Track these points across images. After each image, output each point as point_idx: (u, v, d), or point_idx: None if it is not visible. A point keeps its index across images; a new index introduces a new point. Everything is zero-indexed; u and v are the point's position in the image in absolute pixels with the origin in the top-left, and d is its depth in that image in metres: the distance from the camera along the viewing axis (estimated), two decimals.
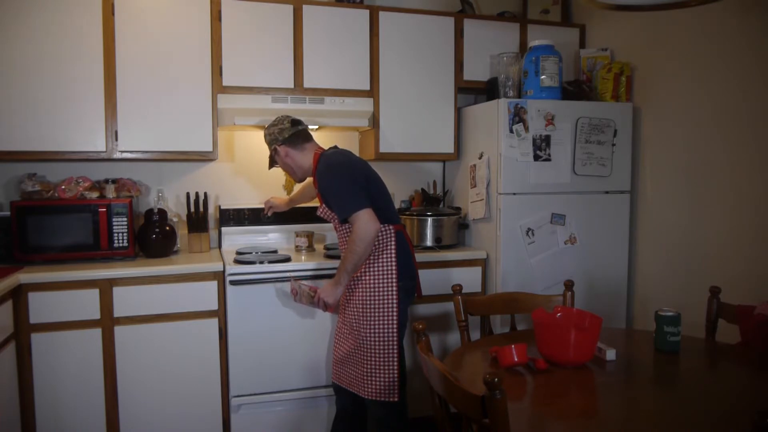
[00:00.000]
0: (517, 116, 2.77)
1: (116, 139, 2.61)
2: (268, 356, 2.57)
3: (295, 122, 2.36)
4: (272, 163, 2.42)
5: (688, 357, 1.81)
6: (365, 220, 2.08)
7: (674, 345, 1.81)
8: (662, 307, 1.93)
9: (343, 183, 2.16)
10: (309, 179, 2.48)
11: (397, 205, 3.19)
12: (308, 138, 2.37)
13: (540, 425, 1.42)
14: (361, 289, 2.21)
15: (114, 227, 2.59)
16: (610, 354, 1.76)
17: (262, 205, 3.03)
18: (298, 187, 2.85)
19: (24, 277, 2.30)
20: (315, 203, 2.65)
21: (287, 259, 2.63)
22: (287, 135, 2.32)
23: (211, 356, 2.55)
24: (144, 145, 2.65)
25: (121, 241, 2.60)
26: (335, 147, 2.38)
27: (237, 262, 2.58)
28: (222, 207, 3.01)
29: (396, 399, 2.18)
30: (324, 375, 2.65)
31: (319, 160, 2.26)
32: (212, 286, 2.54)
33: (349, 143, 3.19)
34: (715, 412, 1.45)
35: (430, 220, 2.95)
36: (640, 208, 3.00)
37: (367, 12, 2.92)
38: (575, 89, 3.01)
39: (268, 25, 2.77)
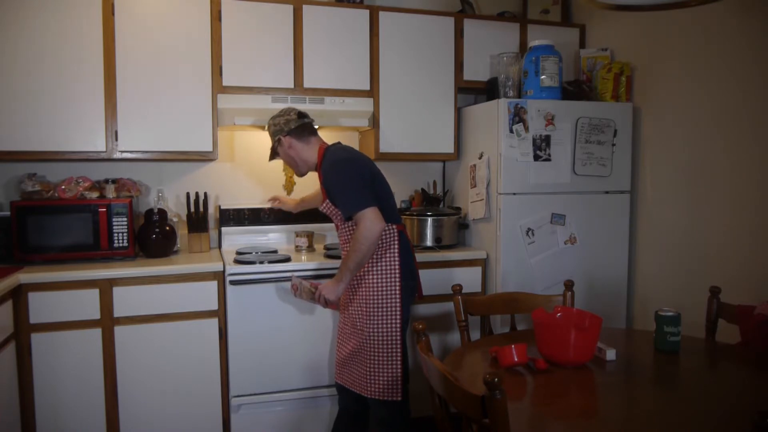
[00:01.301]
0: (517, 116, 2.77)
1: (116, 139, 2.61)
2: (268, 356, 2.57)
3: (302, 115, 2.34)
4: (273, 154, 2.39)
5: (688, 357, 1.81)
6: (371, 219, 2.06)
7: (674, 345, 1.81)
8: (662, 307, 1.93)
9: (350, 180, 2.13)
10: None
11: (397, 205, 3.18)
12: (314, 132, 2.36)
13: (540, 425, 1.42)
14: (364, 289, 2.20)
15: (114, 227, 2.59)
16: (610, 354, 1.76)
17: (263, 206, 3.03)
18: (309, 193, 2.80)
19: (24, 277, 2.30)
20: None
21: (287, 259, 2.63)
22: (293, 126, 2.29)
23: (211, 356, 2.55)
24: (144, 145, 2.65)
25: (121, 241, 2.60)
26: (338, 143, 2.37)
27: (237, 262, 2.58)
28: (222, 207, 3.01)
29: (399, 398, 2.18)
30: (325, 375, 2.65)
31: (324, 155, 2.25)
32: (212, 286, 2.54)
33: (349, 143, 3.16)
34: (715, 412, 1.45)
35: (430, 220, 2.95)
36: (640, 208, 3.00)
37: (367, 12, 2.92)
38: (575, 89, 3.01)
39: (268, 25, 2.77)
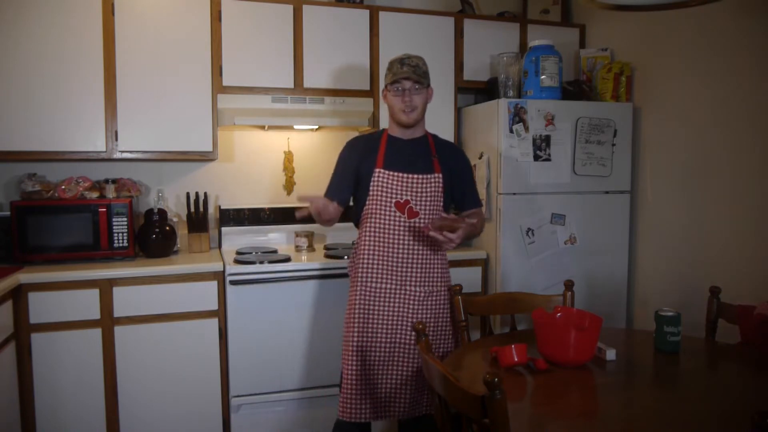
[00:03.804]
0: (517, 116, 2.77)
1: (116, 139, 2.61)
2: (268, 356, 2.57)
3: None
4: (420, 88, 2.10)
5: (688, 357, 1.81)
6: None
7: (674, 345, 1.81)
8: (662, 307, 1.93)
9: None
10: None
11: None
12: None
13: (540, 425, 1.42)
14: (442, 298, 2.19)
15: (114, 227, 2.59)
16: (610, 354, 1.76)
17: (262, 206, 3.04)
18: (331, 207, 2.20)
19: (24, 277, 2.30)
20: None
21: (287, 259, 2.63)
22: None
23: (211, 356, 2.55)
24: (144, 145, 2.65)
25: (121, 241, 2.60)
26: None
27: (237, 262, 2.58)
28: (222, 207, 3.01)
29: None
30: (324, 375, 2.65)
31: (434, 135, 2.30)
32: (212, 286, 2.54)
33: None
34: (715, 412, 1.45)
35: None
36: (640, 208, 3.00)
37: (367, 12, 2.92)
38: (575, 89, 3.01)
39: (268, 25, 2.77)
